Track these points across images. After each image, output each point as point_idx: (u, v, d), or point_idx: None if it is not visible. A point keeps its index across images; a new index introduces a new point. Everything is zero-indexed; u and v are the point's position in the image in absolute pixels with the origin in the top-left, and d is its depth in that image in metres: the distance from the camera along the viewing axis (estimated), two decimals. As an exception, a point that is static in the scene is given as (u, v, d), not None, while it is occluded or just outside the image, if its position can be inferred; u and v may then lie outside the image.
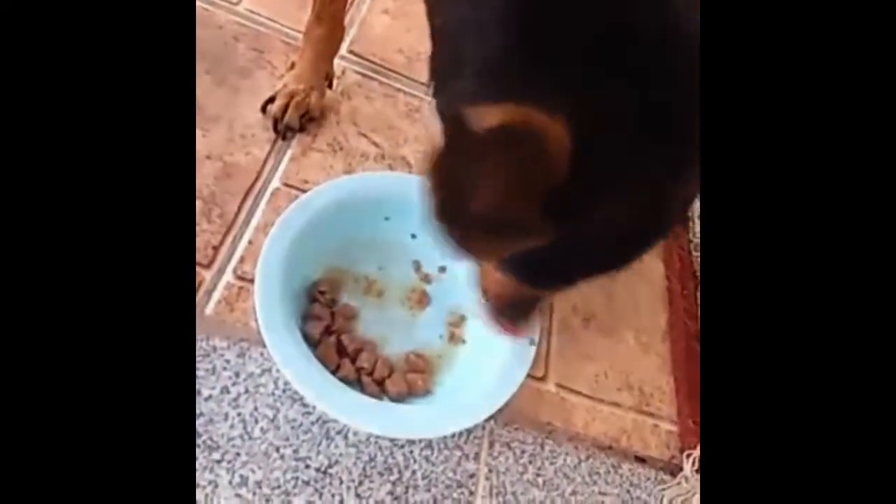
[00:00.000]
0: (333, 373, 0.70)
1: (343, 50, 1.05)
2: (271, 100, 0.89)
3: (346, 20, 1.08)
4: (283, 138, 0.89)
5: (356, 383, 0.73)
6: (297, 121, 0.89)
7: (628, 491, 0.83)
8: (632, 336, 0.97)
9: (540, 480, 0.79)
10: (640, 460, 0.87)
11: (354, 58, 1.05)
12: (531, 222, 0.38)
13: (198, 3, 0.98)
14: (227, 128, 0.87)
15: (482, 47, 0.42)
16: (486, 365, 0.77)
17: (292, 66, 0.92)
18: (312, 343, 0.72)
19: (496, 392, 0.73)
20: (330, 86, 0.96)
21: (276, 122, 0.88)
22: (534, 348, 0.78)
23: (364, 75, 1.04)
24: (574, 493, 0.80)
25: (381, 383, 0.74)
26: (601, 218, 0.42)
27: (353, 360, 0.75)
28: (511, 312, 0.66)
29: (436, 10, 0.49)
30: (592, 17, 0.39)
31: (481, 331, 0.83)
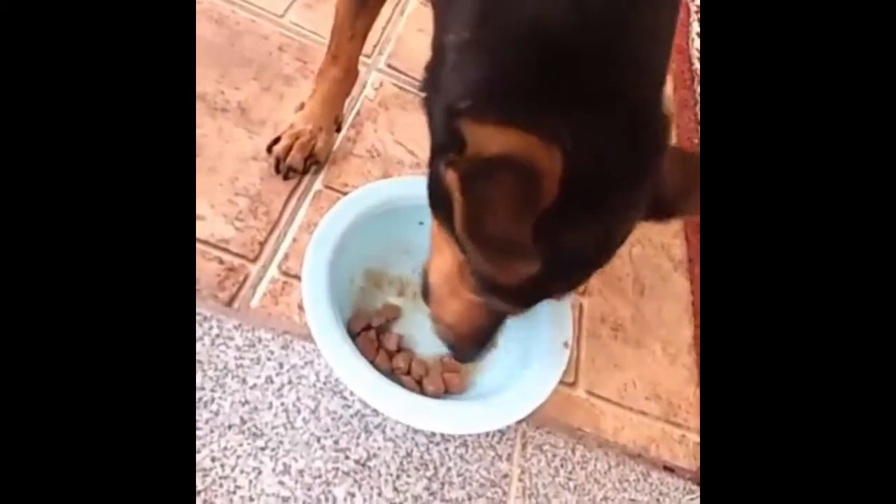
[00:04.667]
0: (370, 363, 0.71)
1: (381, 63, 1.09)
2: (277, 139, 0.86)
3: (383, 37, 1.13)
4: (285, 178, 0.85)
5: (390, 375, 0.74)
6: (300, 163, 0.85)
7: (657, 500, 0.84)
8: (659, 347, 0.98)
9: (571, 484, 0.79)
10: (669, 470, 0.87)
11: (392, 71, 1.09)
12: (526, 245, 0.42)
13: (244, 14, 1.02)
14: (273, 131, 0.89)
15: (490, 69, 0.46)
16: (520, 367, 0.78)
17: (302, 106, 0.89)
18: (352, 336, 0.73)
19: (532, 393, 0.74)
20: (338, 129, 0.93)
21: (278, 161, 0.85)
22: (567, 351, 0.79)
23: (400, 87, 1.07)
24: (605, 498, 0.80)
25: (419, 382, 0.75)
26: (573, 242, 0.48)
27: (391, 358, 0.76)
28: (466, 344, 0.66)
29: (447, 27, 0.53)
30: (604, 67, 0.45)
31: (512, 333, 0.85)
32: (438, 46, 0.54)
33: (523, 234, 0.42)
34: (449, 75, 0.50)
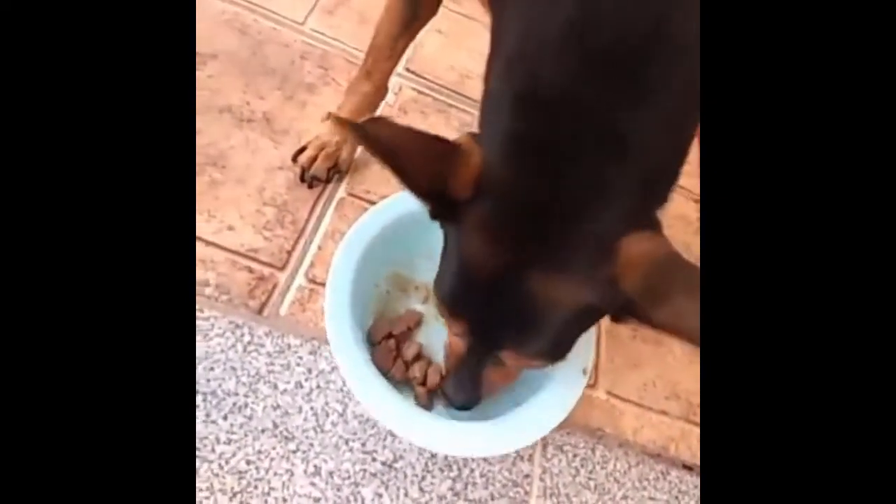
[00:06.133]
0: (386, 373, 0.73)
1: (399, 68, 1.10)
2: (303, 149, 0.89)
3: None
4: (310, 187, 0.89)
5: (405, 385, 0.76)
6: (324, 172, 0.89)
7: (677, 497, 0.85)
8: (678, 346, 0.99)
9: (592, 484, 0.82)
10: (688, 468, 0.89)
11: (410, 75, 1.11)
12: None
13: (266, 23, 1.05)
14: (297, 140, 0.92)
15: (497, 116, 0.53)
16: (535, 388, 0.77)
17: (328, 116, 0.92)
18: (373, 343, 0.76)
19: (542, 418, 0.73)
20: None
21: (303, 171, 0.88)
22: (585, 378, 0.77)
23: (419, 92, 1.09)
24: (625, 497, 0.82)
25: (433, 391, 0.77)
26: (477, 254, 0.52)
27: (407, 367, 0.77)
28: (455, 382, 0.64)
29: (491, 76, 0.57)
30: (570, 126, 0.49)
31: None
32: (485, 89, 0.58)
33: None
34: (481, 116, 0.57)
